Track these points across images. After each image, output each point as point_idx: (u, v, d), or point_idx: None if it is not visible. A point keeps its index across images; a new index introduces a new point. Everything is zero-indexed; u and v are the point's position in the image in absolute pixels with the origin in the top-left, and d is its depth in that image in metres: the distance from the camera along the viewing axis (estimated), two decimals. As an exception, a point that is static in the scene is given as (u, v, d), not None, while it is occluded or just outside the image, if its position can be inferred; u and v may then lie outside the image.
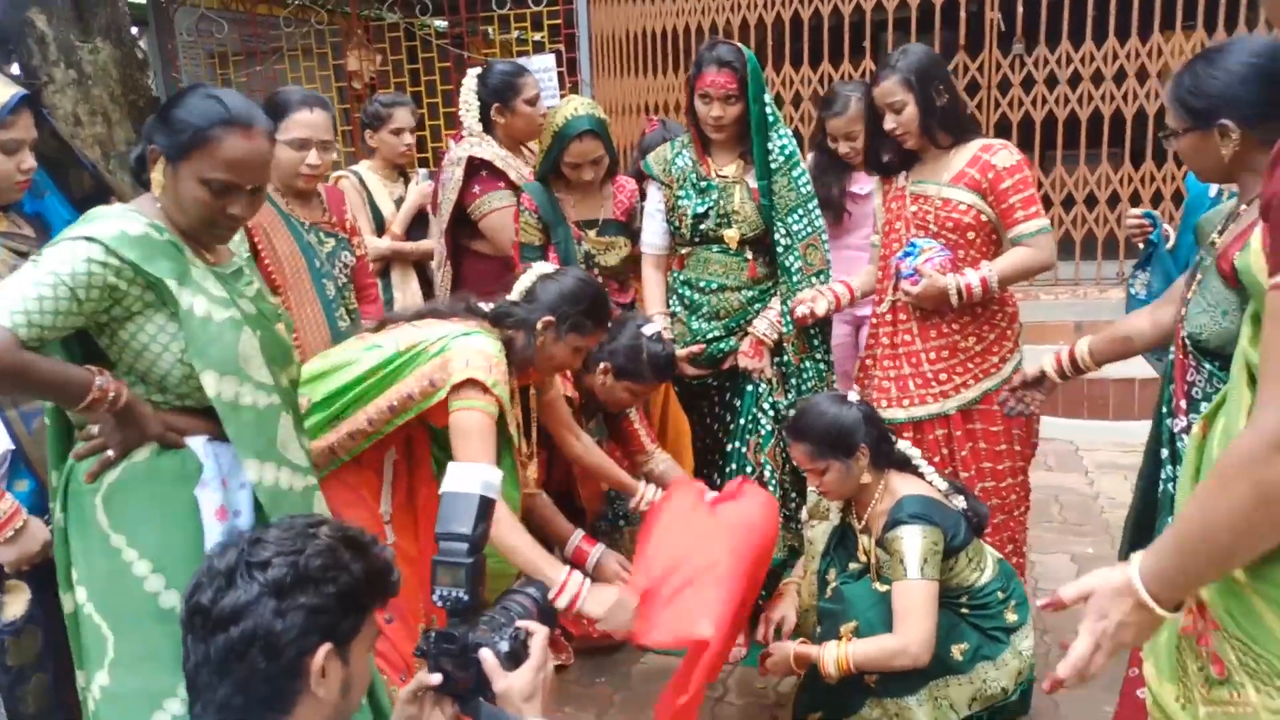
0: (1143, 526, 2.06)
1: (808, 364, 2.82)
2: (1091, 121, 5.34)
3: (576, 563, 2.53)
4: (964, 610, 2.27)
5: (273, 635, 1.10)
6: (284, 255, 2.57)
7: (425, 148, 6.56)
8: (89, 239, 1.55)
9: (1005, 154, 2.52)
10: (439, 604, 1.38)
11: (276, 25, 6.56)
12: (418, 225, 3.62)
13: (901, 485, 2.28)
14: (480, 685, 1.36)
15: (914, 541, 2.13)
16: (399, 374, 2.06)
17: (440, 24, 6.57)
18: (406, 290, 3.58)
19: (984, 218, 2.54)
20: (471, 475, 1.42)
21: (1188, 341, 1.75)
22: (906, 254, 2.56)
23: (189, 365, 1.61)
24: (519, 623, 1.42)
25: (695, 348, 2.81)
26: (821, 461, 2.30)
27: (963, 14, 5.39)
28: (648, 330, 2.58)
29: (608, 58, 6.13)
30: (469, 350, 2.01)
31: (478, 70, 3.37)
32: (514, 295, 2.26)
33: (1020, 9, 5.37)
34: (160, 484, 1.66)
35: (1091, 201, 5.45)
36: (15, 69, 7.21)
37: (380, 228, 3.56)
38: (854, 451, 2.27)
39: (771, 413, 2.80)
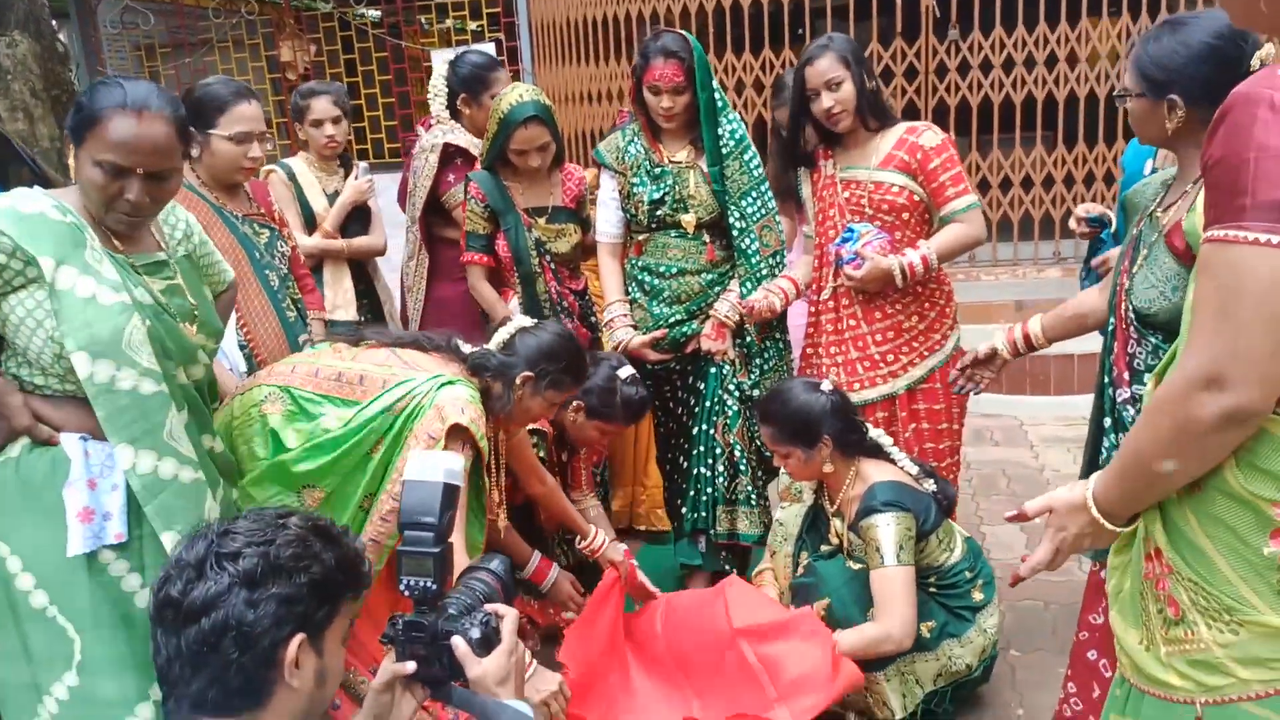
0: None
1: (769, 344, 2.86)
2: (1025, 105, 5.47)
3: (534, 583, 2.61)
4: (932, 589, 2.31)
5: (245, 625, 1.09)
6: (224, 250, 2.48)
7: (364, 139, 6.45)
8: None
9: (930, 134, 2.58)
10: (406, 594, 1.37)
11: (205, 16, 6.40)
12: (355, 221, 3.45)
13: (873, 471, 2.32)
14: (453, 671, 1.36)
15: (889, 529, 2.18)
16: (401, 437, 1.99)
17: (374, 13, 6.45)
18: (338, 289, 3.39)
19: (916, 198, 2.59)
20: (434, 464, 1.41)
21: (1131, 314, 1.80)
22: (845, 240, 2.59)
23: (60, 344, 1.60)
24: (488, 606, 1.42)
25: (658, 333, 2.81)
26: (784, 446, 2.35)
27: (899, 0, 5.48)
28: (623, 373, 2.59)
29: (548, 46, 6.09)
30: (457, 400, 1.99)
31: (449, 56, 3.34)
32: (493, 344, 2.25)
33: (955, -5, 5.47)
34: (30, 481, 1.66)
35: (1028, 183, 5.58)
36: (-73, 63, 6.91)
37: (311, 224, 3.37)
38: (816, 441, 2.31)
39: (736, 393, 2.82)
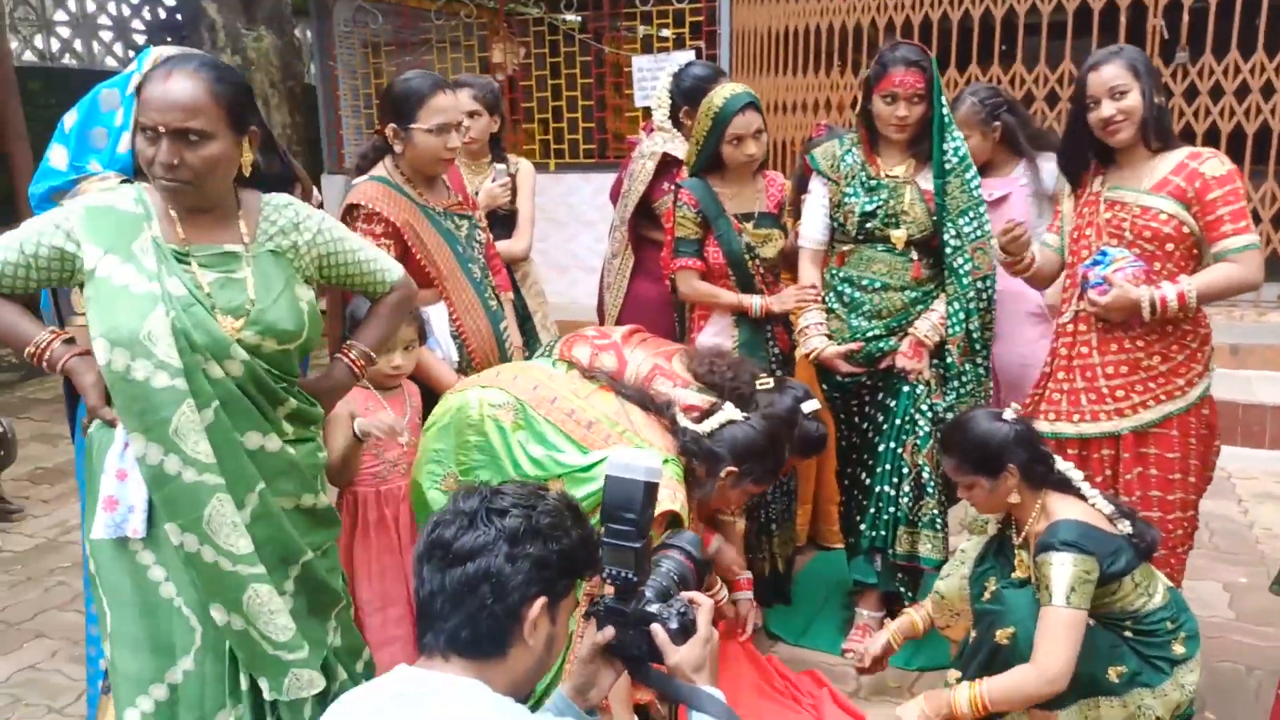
0: None
1: (968, 367, 2.79)
2: (1259, 136, 5.08)
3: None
4: (1128, 634, 2.20)
5: (503, 576, 1.20)
6: (432, 247, 2.58)
7: (562, 139, 6.71)
8: (64, 206, 1.76)
9: (1216, 162, 2.38)
10: (609, 582, 1.44)
11: (427, 18, 6.81)
12: (498, 225, 3.38)
13: (1059, 507, 2.22)
14: (651, 654, 1.43)
15: (1063, 569, 2.07)
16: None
17: (576, 19, 6.70)
18: None
19: (1185, 229, 2.39)
20: (636, 461, 1.45)
21: None
22: (1096, 262, 2.43)
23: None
24: (684, 595, 1.47)
25: (853, 345, 2.80)
26: (968, 477, 2.29)
27: (1123, 19, 5.20)
28: (806, 407, 2.61)
29: (748, 55, 6.14)
30: (669, 484, 2.07)
31: (676, 67, 3.40)
32: (704, 428, 2.30)
33: (1186, 16, 5.15)
34: (92, 460, 1.77)
35: (1254, 218, 5.17)
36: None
37: None
38: (1000, 471, 2.23)
39: (930, 414, 2.77)
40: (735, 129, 2.80)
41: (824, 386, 2.97)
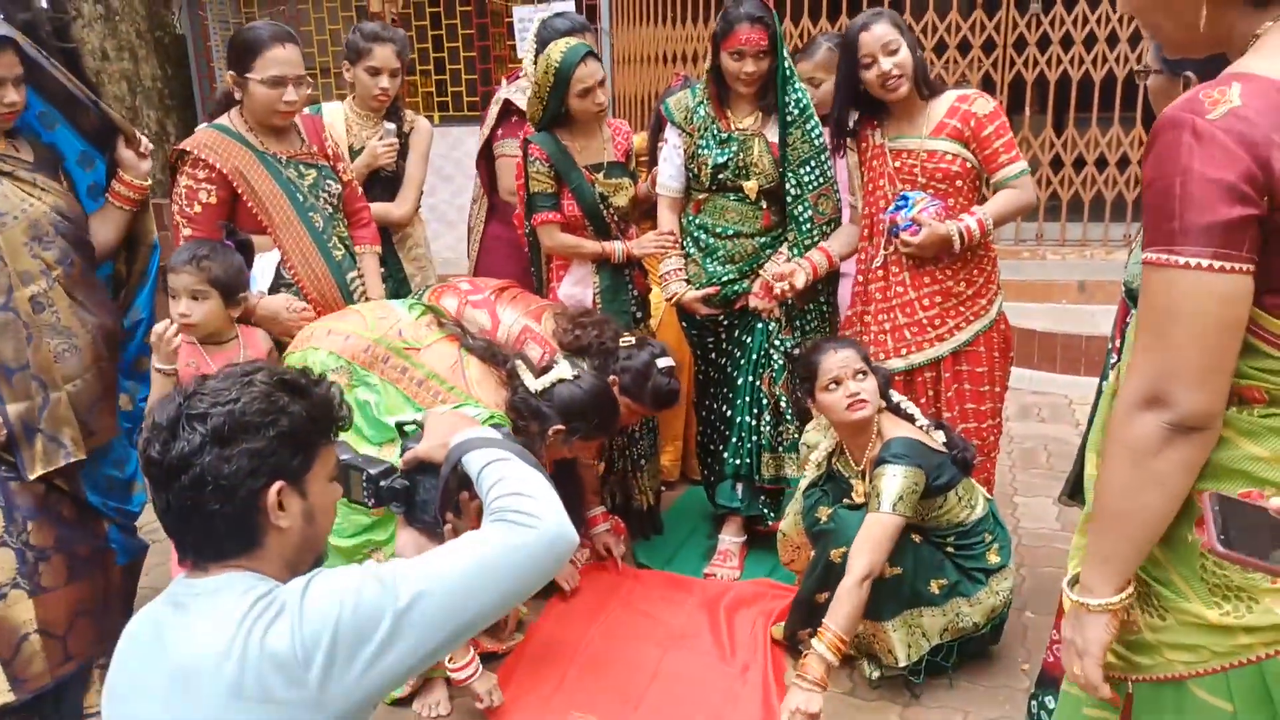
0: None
1: (811, 307, 2.98)
2: (1104, 84, 5.39)
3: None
4: (949, 549, 2.43)
5: (222, 479, 1.13)
6: (265, 195, 2.58)
7: (445, 91, 6.64)
8: None
9: (983, 101, 2.62)
10: (371, 502, 1.45)
11: (301, -36, 6.61)
12: (377, 185, 3.25)
13: (890, 428, 2.43)
14: (445, 496, 1.40)
15: (894, 480, 2.28)
16: None
17: (462, -34, 6.60)
18: None
19: (969, 165, 2.65)
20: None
21: (1124, 290, 1.87)
22: (898, 207, 2.64)
23: None
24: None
25: (711, 289, 2.94)
26: (864, 368, 2.44)
27: (980, -30, 5.42)
28: (661, 363, 2.71)
29: (627, 6, 6.18)
30: None
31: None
32: (535, 385, 2.38)
33: (1039, -32, 5.39)
34: None
35: (1101, 163, 5.52)
36: (44, 2, 7.27)
37: None
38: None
39: (781, 349, 2.95)
40: (581, 81, 2.85)
41: (684, 325, 3.14)
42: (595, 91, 2.88)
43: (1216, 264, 1.07)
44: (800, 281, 2.81)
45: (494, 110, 3.37)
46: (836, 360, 2.42)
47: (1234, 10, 1.15)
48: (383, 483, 1.40)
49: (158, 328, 2.25)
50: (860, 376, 2.41)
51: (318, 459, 1.23)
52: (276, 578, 1.19)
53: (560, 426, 2.35)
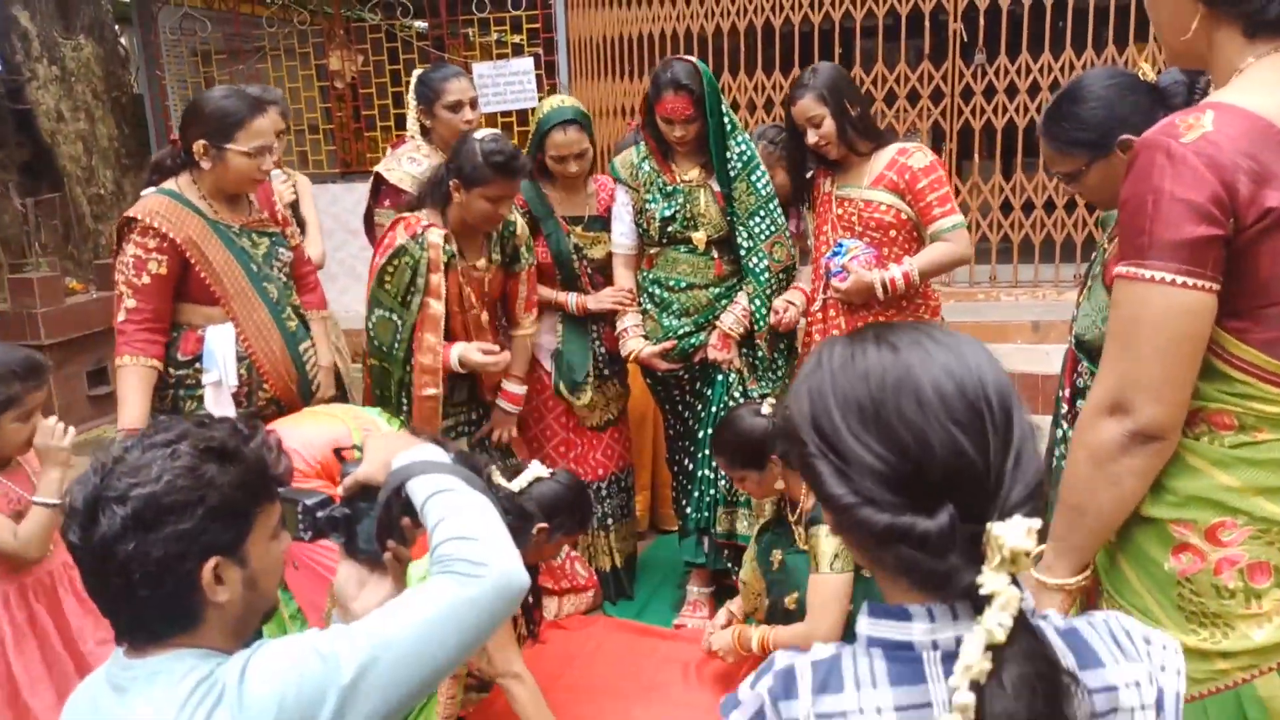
0: None
1: (777, 355, 3.01)
2: (1050, 129, 5.55)
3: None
4: None
5: (149, 564, 1.05)
6: (219, 266, 2.51)
7: (406, 147, 6.68)
8: None
9: (920, 155, 2.74)
10: (306, 535, 1.30)
11: (260, 25, 6.66)
12: None
13: None
14: (388, 516, 1.28)
15: (827, 540, 2.32)
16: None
17: (421, 25, 6.69)
18: None
19: (904, 216, 2.75)
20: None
21: (1073, 340, 1.93)
22: (834, 254, 2.77)
23: None
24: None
25: (667, 344, 2.97)
26: (738, 471, 2.53)
27: (927, 23, 5.60)
28: (479, 134, 2.65)
29: (585, 61, 6.28)
30: None
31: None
32: (514, 486, 2.36)
33: (982, 20, 5.59)
34: None
35: (1050, 206, 5.66)
36: (-2, 65, 7.25)
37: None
38: (764, 462, 2.47)
39: (742, 400, 2.95)
40: (554, 148, 2.90)
41: (648, 381, 3.15)
42: (569, 161, 2.92)
43: (1180, 279, 1.14)
44: (794, 315, 2.88)
45: (370, 183, 3.25)
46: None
47: (1223, 31, 1.20)
48: (319, 513, 1.29)
49: (49, 439, 1.99)
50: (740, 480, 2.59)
51: (256, 523, 1.15)
52: (222, 648, 1.13)
53: (544, 524, 2.33)
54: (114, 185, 6.85)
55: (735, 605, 2.77)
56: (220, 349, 2.52)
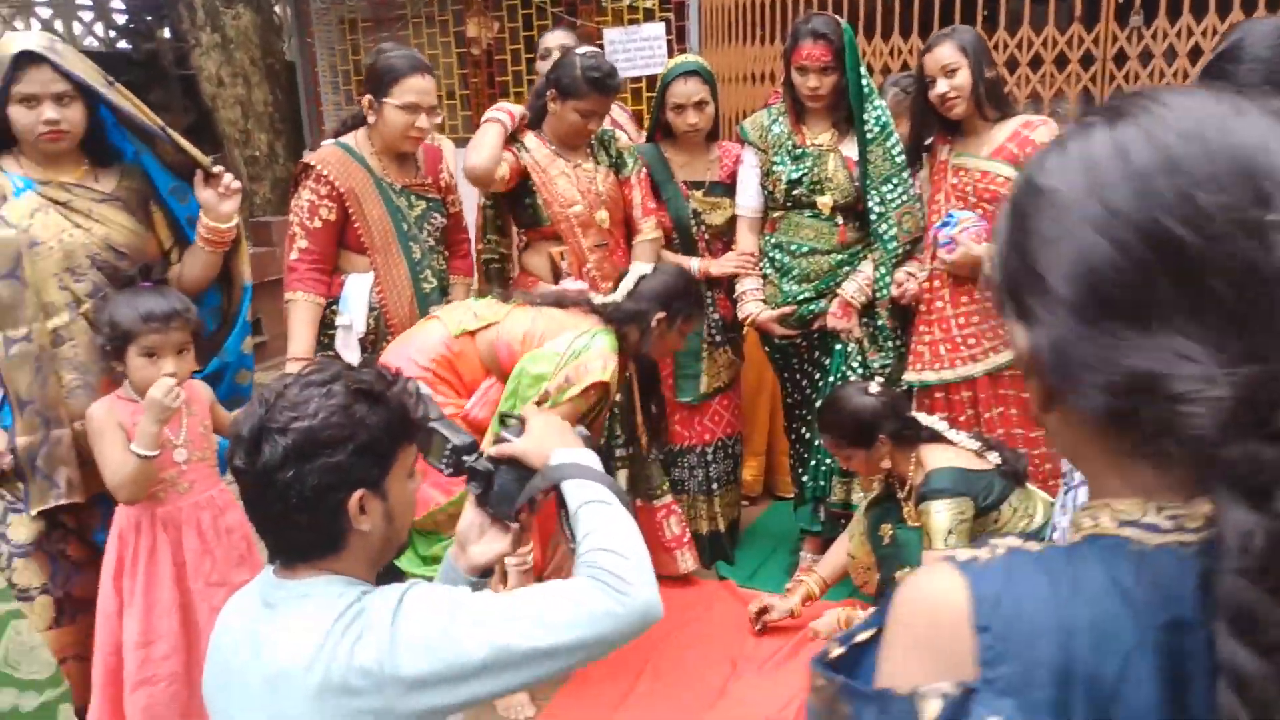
0: None
1: (900, 326, 2.96)
2: (1211, 96, 5.19)
3: None
4: None
5: (305, 490, 1.16)
6: (373, 219, 2.65)
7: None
8: None
9: (1044, 130, 2.63)
10: (446, 469, 1.35)
11: (402, -7, 6.89)
12: None
13: (931, 458, 2.42)
14: (521, 481, 1.33)
15: (940, 515, 2.29)
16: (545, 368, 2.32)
17: (552, -9, 6.77)
18: None
19: None
20: None
21: None
22: (944, 224, 2.69)
23: None
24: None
25: (786, 309, 2.95)
26: (845, 450, 2.51)
27: (1080, -17, 5.30)
28: (581, 50, 2.80)
29: (716, 26, 6.24)
30: (600, 354, 2.30)
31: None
32: (619, 294, 2.49)
33: (1141, -21, 5.26)
34: None
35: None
36: (167, 33, 7.75)
37: None
38: (873, 441, 2.44)
39: (861, 371, 2.93)
40: (674, 97, 2.93)
41: (766, 348, 3.15)
42: (687, 110, 2.94)
43: None
44: (912, 288, 2.84)
45: None
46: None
47: None
48: (465, 457, 1.34)
49: (157, 392, 2.01)
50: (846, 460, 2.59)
51: (396, 462, 1.24)
52: (361, 576, 1.24)
53: (661, 314, 2.42)
54: (268, 148, 7.25)
55: (813, 579, 2.77)
56: (355, 296, 2.65)
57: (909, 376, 2.81)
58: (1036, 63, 5.49)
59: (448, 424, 1.37)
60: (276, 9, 7.93)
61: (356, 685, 1.11)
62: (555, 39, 3.41)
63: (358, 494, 1.19)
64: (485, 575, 1.38)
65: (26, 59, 2.07)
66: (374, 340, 2.69)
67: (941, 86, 2.63)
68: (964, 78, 2.60)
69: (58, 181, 2.17)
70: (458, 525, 1.40)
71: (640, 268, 2.55)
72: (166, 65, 7.48)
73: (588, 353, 2.29)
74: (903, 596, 0.66)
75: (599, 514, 1.23)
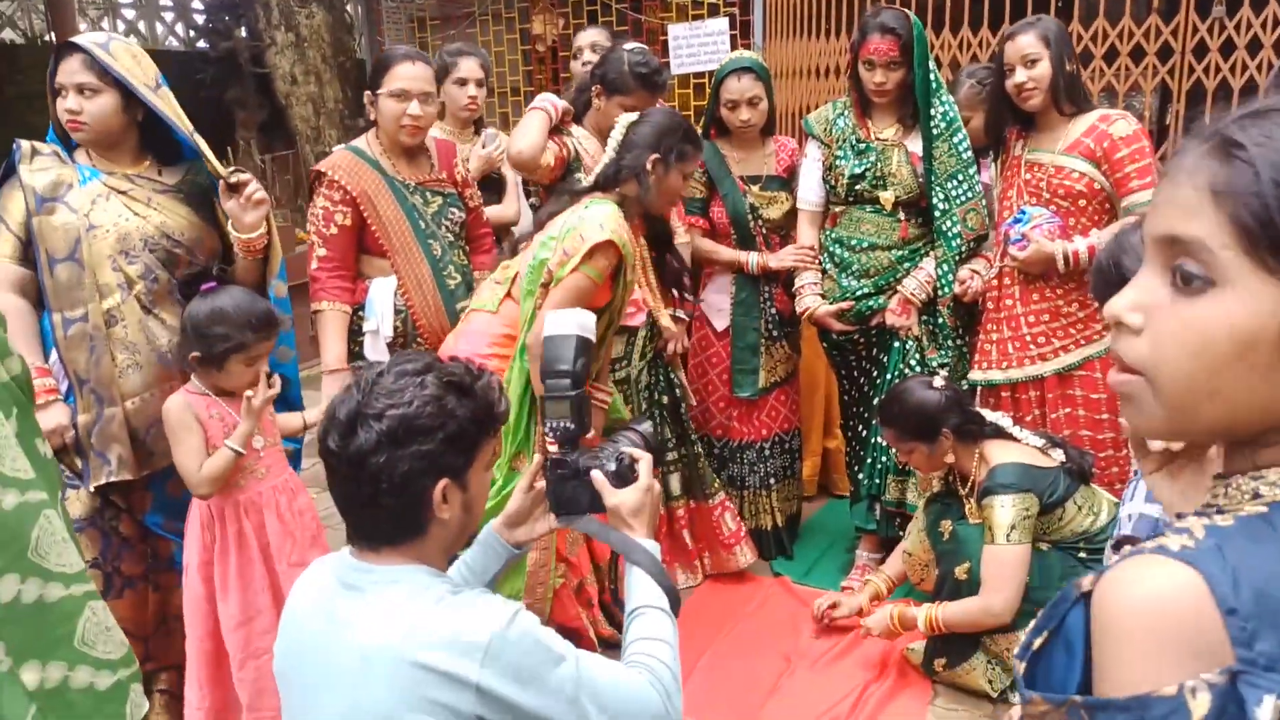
0: None
1: (959, 325, 2.92)
2: (1297, 89, 5.00)
3: None
4: (1081, 555, 2.34)
5: (395, 476, 1.21)
6: (388, 220, 2.58)
7: (601, 108, 6.84)
8: None
9: (1123, 124, 2.54)
10: (550, 435, 1.50)
11: (470, -9, 6.99)
12: (487, 190, 3.30)
13: (996, 453, 2.38)
14: (593, 504, 1.46)
15: (1004, 510, 2.25)
16: (545, 253, 2.28)
17: (617, -12, 6.80)
18: None
19: (1097, 185, 2.56)
20: (569, 319, 1.57)
21: None
22: (1016, 221, 2.62)
23: None
24: (624, 449, 1.50)
25: (844, 304, 2.92)
26: (907, 444, 2.47)
27: (1158, -27, 5.14)
28: (628, 46, 2.77)
29: (780, 20, 6.20)
30: (596, 219, 2.21)
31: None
32: (609, 153, 2.38)
33: (1224, -32, 5.07)
34: None
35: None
36: (243, 32, 7.98)
37: None
38: (936, 435, 2.40)
39: (919, 369, 2.89)
40: (729, 93, 2.93)
41: (824, 344, 3.13)
42: (741, 107, 2.93)
43: None
44: (977, 285, 2.78)
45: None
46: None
47: None
48: (567, 448, 1.47)
49: (258, 401, 2.11)
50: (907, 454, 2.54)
51: (479, 453, 1.30)
52: (437, 564, 1.30)
53: (654, 155, 2.30)
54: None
55: (880, 577, 2.75)
56: (380, 300, 2.61)
57: (975, 375, 2.76)
58: (1111, 55, 5.34)
59: (580, 405, 1.47)
60: (348, 8, 8.11)
61: (439, 676, 1.16)
62: (588, 37, 3.40)
63: (442, 483, 1.24)
64: (520, 549, 1.51)
65: (65, 50, 2.14)
66: (403, 343, 2.64)
67: (1020, 76, 2.56)
68: (1044, 69, 2.53)
69: (121, 173, 2.24)
70: (509, 506, 1.51)
71: (627, 117, 2.42)
72: (243, 63, 7.69)
73: (582, 223, 2.21)
74: (1122, 600, 0.65)
75: (654, 622, 1.36)
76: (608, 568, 2.79)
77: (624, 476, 1.45)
